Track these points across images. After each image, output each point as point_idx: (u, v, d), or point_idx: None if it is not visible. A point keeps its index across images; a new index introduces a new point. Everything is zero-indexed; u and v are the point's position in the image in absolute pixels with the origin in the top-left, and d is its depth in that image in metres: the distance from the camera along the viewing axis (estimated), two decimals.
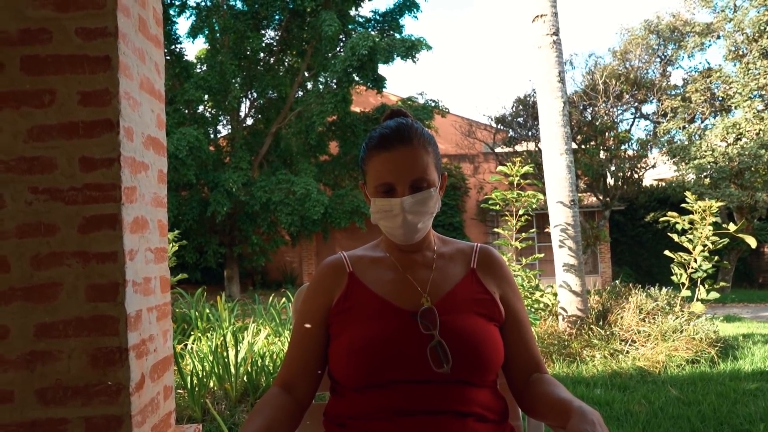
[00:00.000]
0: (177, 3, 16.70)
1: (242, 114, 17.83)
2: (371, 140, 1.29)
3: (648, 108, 18.34)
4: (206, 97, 16.56)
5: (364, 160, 1.31)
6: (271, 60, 17.91)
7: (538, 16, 6.50)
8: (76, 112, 1.65)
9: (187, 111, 16.49)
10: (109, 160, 1.65)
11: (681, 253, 6.25)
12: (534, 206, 6.54)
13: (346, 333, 1.24)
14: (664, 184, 19.14)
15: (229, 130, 17.84)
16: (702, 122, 17.25)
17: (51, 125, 1.64)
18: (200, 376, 4.07)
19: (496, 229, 7.53)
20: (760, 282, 17.95)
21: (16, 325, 1.61)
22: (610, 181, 17.20)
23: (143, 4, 1.91)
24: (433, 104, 17.23)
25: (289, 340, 4.28)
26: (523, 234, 6.46)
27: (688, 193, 6.36)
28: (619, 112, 17.47)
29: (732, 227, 6.29)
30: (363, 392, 1.20)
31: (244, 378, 4.18)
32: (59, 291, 1.62)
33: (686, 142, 15.90)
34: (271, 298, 6.78)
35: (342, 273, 1.33)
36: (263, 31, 17.45)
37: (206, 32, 16.57)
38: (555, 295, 6.42)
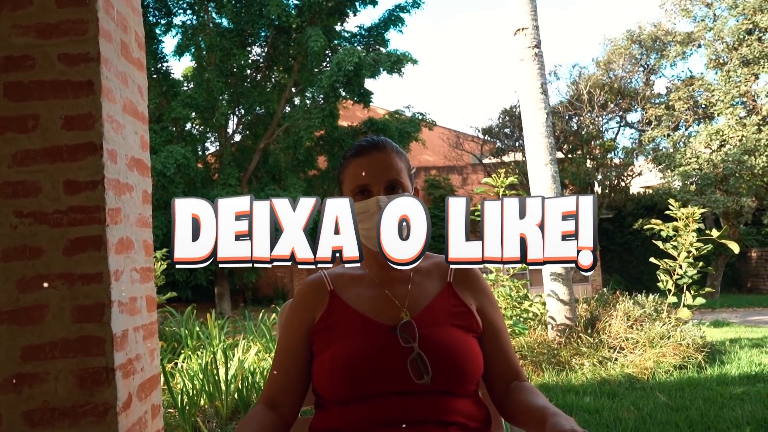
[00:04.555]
0: (163, 22, 16.75)
1: (230, 131, 17.84)
2: (347, 152, 1.37)
3: (633, 117, 18.59)
4: (194, 114, 16.55)
5: (340, 171, 1.38)
6: (258, 76, 17.97)
7: (519, 30, 6.59)
8: (59, 136, 1.67)
9: (174, 129, 16.46)
10: (93, 183, 1.67)
11: (666, 260, 6.31)
12: None
13: (329, 350, 1.27)
14: (651, 191, 19.29)
15: (217, 147, 17.82)
16: (686, 130, 17.44)
17: (35, 150, 1.66)
18: (191, 394, 4.06)
19: None
20: (748, 287, 18.06)
21: (3, 348, 1.62)
22: (597, 189, 17.34)
23: (125, 29, 1.94)
24: (420, 117, 17.33)
25: None
26: None
27: (671, 200, 6.43)
28: (605, 121, 17.69)
29: (716, 233, 6.36)
30: (347, 405, 1.23)
31: (235, 395, 4.17)
32: (45, 313, 1.64)
33: (671, 150, 16.06)
34: (261, 314, 6.76)
35: (323, 291, 1.36)
36: (249, 48, 17.50)
37: (193, 50, 16.60)
38: (543, 304, 6.45)
